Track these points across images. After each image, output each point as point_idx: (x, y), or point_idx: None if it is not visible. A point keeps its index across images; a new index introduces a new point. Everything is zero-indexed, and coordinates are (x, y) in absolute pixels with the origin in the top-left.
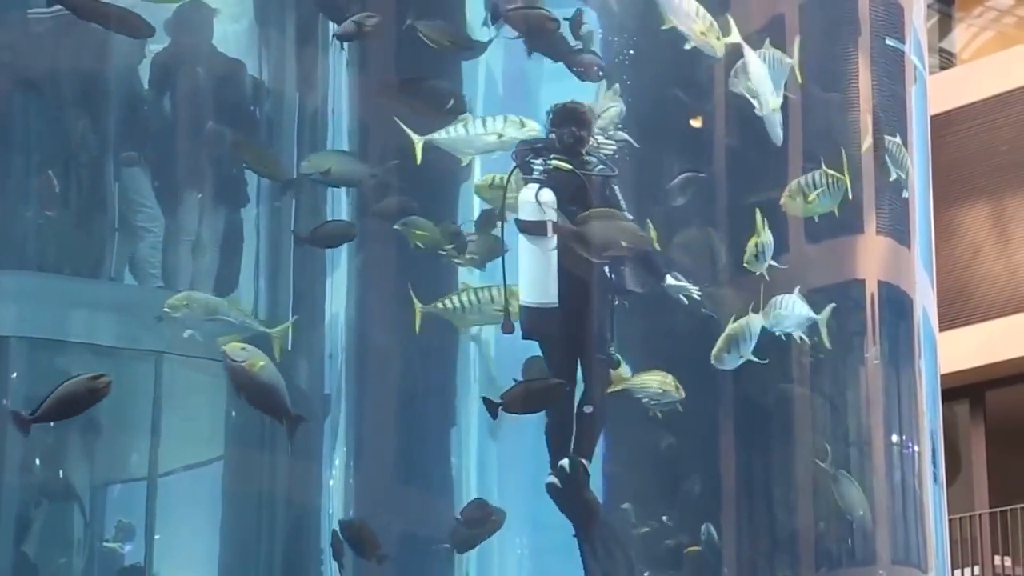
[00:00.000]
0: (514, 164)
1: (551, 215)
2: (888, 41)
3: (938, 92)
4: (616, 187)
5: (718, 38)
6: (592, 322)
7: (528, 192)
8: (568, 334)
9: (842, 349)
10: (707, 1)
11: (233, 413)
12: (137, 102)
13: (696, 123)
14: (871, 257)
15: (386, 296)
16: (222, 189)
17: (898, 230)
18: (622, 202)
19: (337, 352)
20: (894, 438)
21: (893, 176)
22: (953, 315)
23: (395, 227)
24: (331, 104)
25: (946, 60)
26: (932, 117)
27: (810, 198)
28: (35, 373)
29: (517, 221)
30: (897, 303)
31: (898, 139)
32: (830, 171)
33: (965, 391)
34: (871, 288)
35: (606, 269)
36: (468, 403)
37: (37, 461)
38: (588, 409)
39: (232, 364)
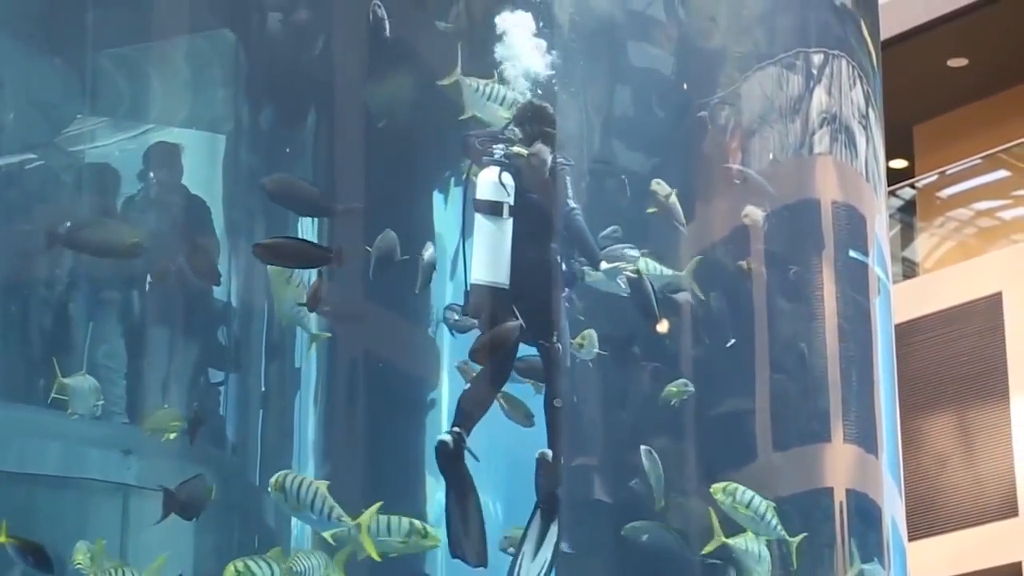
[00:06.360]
0: (472, 149)
1: (510, 197)
2: (852, 253)
3: (902, 301)
4: (568, 178)
5: None
6: (547, 307)
7: (490, 172)
8: (514, 316)
9: (812, 560)
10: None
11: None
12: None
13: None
14: (839, 465)
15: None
16: (193, 324)
17: (865, 438)
18: (570, 190)
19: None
20: None
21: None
22: (921, 525)
23: None
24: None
25: (909, 269)
26: (896, 326)
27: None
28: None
29: (475, 200)
30: (866, 512)
31: None
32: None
33: None
34: (839, 496)
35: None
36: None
37: None
38: (558, 403)
39: None
